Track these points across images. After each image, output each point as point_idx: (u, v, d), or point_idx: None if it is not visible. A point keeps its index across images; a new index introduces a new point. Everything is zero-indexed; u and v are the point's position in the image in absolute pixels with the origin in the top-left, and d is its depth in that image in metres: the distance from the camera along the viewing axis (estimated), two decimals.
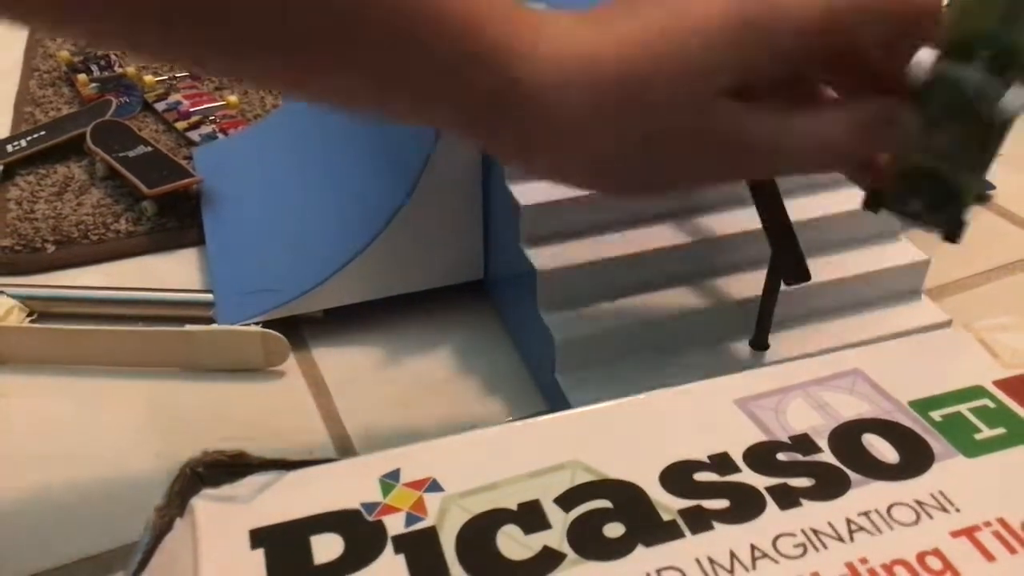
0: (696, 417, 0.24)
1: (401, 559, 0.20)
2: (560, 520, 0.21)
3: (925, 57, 0.26)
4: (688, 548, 0.20)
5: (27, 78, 0.65)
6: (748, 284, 0.39)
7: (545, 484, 0.22)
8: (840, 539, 0.21)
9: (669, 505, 0.21)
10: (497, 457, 0.22)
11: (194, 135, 0.57)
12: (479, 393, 0.40)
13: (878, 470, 0.22)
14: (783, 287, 0.36)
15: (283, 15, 0.23)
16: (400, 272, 0.42)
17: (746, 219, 0.39)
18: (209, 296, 0.44)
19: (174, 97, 0.61)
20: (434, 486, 0.22)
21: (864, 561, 0.20)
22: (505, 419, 0.38)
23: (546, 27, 0.25)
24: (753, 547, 0.20)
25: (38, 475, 0.36)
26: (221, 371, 0.40)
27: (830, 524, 0.21)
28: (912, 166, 0.27)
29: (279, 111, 0.57)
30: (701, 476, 0.22)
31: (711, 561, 0.20)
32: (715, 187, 0.38)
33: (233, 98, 0.60)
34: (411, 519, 0.21)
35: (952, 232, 0.27)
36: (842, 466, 0.22)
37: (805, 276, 0.35)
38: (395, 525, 0.21)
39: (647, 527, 0.21)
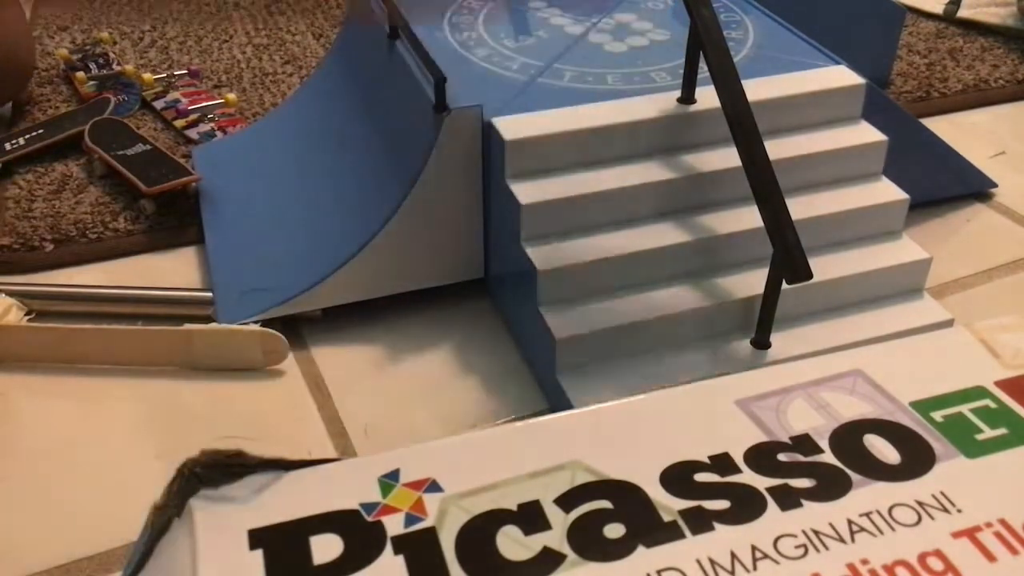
0: (697, 418, 0.24)
1: (400, 560, 0.20)
2: (560, 521, 0.21)
3: None
4: (689, 549, 0.20)
5: None
6: (750, 283, 0.39)
7: (545, 484, 0.22)
8: (841, 540, 0.20)
9: (670, 506, 0.21)
10: (497, 457, 0.22)
11: (192, 133, 0.57)
12: (479, 392, 0.40)
13: (879, 471, 0.22)
14: (785, 286, 0.36)
15: None
16: (400, 270, 0.42)
17: (748, 218, 0.39)
18: (208, 295, 0.44)
19: (172, 95, 0.61)
20: (433, 486, 0.21)
21: (865, 562, 0.20)
22: (505, 418, 0.38)
23: None
24: (754, 548, 0.20)
25: (36, 474, 0.36)
26: (220, 370, 0.40)
27: (831, 525, 0.21)
28: None
29: (279, 110, 0.57)
30: (702, 477, 0.22)
31: (712, 562, 0.20)
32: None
33: (231, 96, 0.60)
34: (411, 519, 0.21)
35: None
36: (843, 467, 0.22)
37: (807, 275, 0.35)
38: (394, 525, 0.21)
39: (647, 528, 0.21)
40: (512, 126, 0.39)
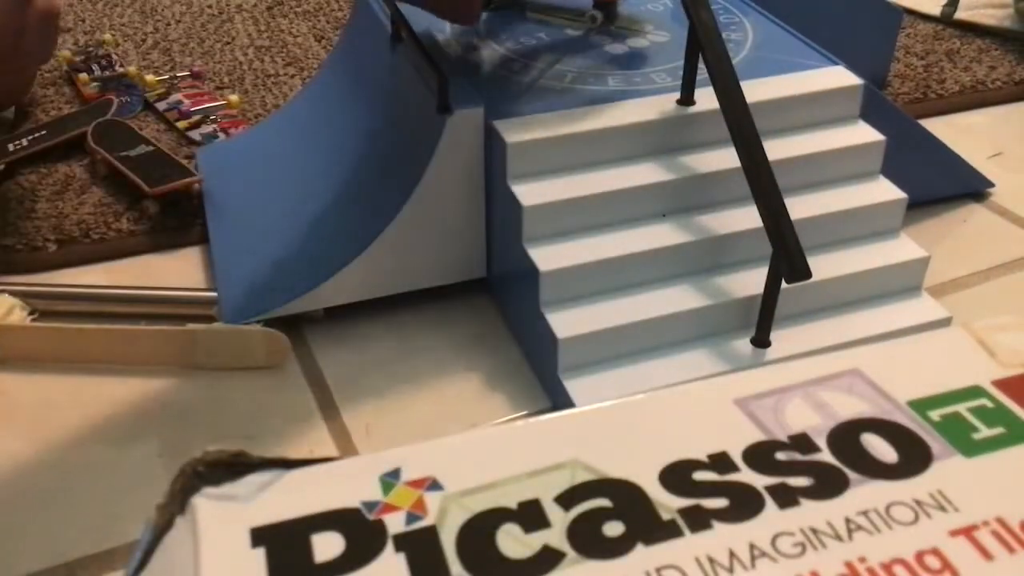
0: (695, 417, 0.24)
1: (401, 557, 0.20)
2: (560, 519, 0.21)
3: None
4: (687, 547, 0.20)
5: None
6: (749, 282, 0.39)
7: (545, 483, 0.22)
8: (839, 538, 0.21)
9: (668, 504, 0.21)
10: (497, 456, 0.22)
11: (195, 134, 0.57)
12: (481, 391, 0.40)
13: (877, 469, 0.22)
14: (784, 285, 0.36)
15: None
16: (402, 270, 0.43)
17: (746, 217, 0.39)
18: (210, 294, 0.44)
19: (175, 97, 0.61)
20: (434, 485, 0.22)
21: (863, 560, 0.20)
22: (506, 417, 0.39)
23: None
24: (752, 546, 0.20)
25: (39, 473, 0.36)
26: (222, 369, 0.41)
27: (829, 523, 0.21)
28: None
29: (282, 111, 0.57)
30: (700, 475, 0.22)
31: (710, 560, 0.20)
32: None
33: (234, 97, 0.61)
34: (411, 518, 0.21)
35: None
36: (841, 465, 0.22)
37: (806, 273, 0.35)
38: (395, 524, 0.21)
39: (647, 526, 0.21)
40: (513, 128, 0.39)
